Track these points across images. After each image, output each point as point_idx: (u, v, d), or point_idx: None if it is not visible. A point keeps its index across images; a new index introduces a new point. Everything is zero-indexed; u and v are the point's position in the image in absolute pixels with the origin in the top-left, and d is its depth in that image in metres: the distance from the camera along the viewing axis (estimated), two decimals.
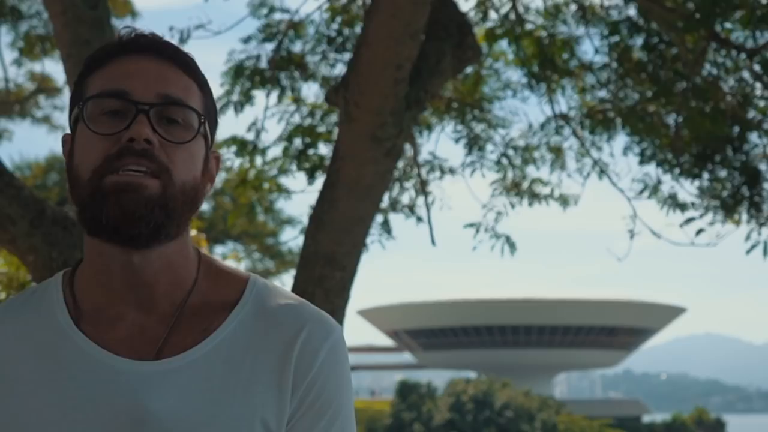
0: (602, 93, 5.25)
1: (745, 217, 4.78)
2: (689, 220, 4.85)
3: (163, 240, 0.96)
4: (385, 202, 5.36)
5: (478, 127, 5.69)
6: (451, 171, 5.82)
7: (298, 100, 5.29)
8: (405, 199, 5.76)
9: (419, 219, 5.68)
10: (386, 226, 5.49)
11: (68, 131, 1.01)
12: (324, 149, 5.32)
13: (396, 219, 5.88)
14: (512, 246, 5.38)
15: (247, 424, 0.93)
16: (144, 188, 0.92)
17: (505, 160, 5.62)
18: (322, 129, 5.33)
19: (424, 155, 5.86)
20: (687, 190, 4.98)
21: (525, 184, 5.64)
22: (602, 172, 5.41)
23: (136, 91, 0.95)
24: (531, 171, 5.77)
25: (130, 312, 0.98)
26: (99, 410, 0.93)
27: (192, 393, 0.93)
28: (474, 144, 5.64)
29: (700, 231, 4.78)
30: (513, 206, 5.59)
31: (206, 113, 1.00)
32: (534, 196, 5.63)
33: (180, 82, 0.98)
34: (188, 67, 1.00)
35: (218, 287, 1.01)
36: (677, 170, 4.94)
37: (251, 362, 0.96)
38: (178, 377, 0.94)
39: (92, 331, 0.97)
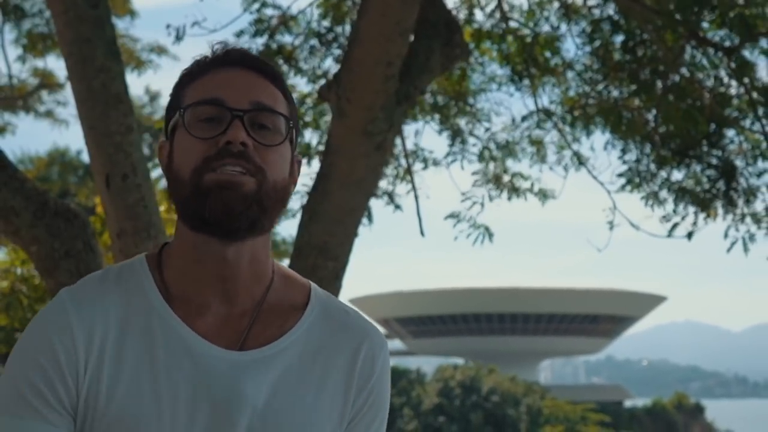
0: (583, 89, 5.35)
1: (721, 211, 4.90)
2: (674, 226, 4.94)
3: (257, 234, 1.04)
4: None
5: (462, 121, 5.78)
6: (435, 162, 5.92)
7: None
8: (384, 184, 5.81)
9: (397, 207, 5.76)
10: (367, 213, 5.57)
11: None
12: (309, 137, 5.42)
13: (387, 212, 5.96)
14: (490, 236, 5.50)
15: (320, 413, 1.05)
16: (242, 186, 1.00)
17: (486, 153, 5.71)
18: (308, 118, 5.42)
19: (408, 146, 5.93)
20: (665, 185, 5.09)
21: (506, 178, 5.72)
22: (581, 164, 5.52)
23: (230, 99, 1.03)
24: (512, 164, 5.82)
25: (214, 303, 1.05)
26: (196, 391, 1.00)
27: (277, 382, 1.04)
28: (457, 136, 5.74)
29: (675, 226, 4.91)
30: (491, 199, 5.62)
31: (292, 120, 1.08)
32: (514, 190, 5.69)
33: (268, 91, 1.06)
34: (275, 78, 1.07)
35: (287, 288, 1.11)
36: (655, 166, 5.06)
37: (323, 361, 1.07)
38: (264, 367, 1.04)
39: (183, 317, 1.04)
